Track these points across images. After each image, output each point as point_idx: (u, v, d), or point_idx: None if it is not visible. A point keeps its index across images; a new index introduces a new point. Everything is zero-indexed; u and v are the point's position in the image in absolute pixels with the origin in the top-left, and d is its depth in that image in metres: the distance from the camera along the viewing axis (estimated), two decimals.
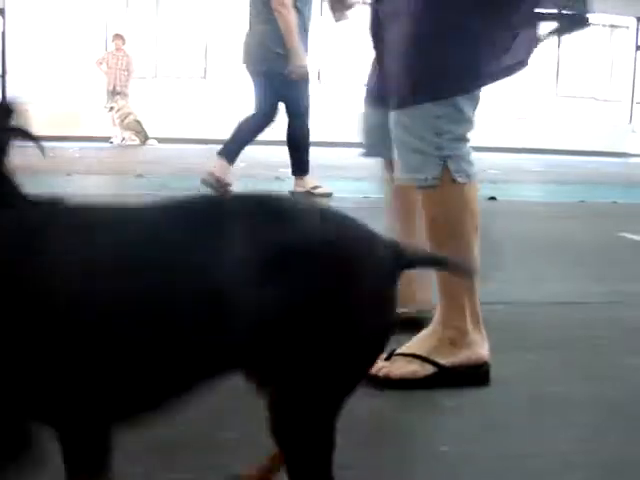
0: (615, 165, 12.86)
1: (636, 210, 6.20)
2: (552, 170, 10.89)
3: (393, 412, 1.78)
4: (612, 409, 1.83)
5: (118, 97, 12.24)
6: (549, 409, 1.83)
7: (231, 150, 5.79)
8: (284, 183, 6.14)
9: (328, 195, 5.96)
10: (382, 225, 3.64)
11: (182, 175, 7.07)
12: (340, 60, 13.29)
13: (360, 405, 1.81)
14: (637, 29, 15.75)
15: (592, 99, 15.48)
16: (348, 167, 7.79)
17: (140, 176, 6.98)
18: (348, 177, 7.42)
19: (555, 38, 2.00)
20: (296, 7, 5.51)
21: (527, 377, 2.04)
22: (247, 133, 5.82)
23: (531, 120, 14.20)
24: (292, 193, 5.85)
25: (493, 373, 1.93)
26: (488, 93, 1.90)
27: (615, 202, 6.49)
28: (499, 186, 6.90)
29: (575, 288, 3.20)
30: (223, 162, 5.74)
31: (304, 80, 5.73)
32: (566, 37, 14.56)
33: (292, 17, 5.42)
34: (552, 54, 14.53)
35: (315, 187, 5.98)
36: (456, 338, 1.86)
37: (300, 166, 5.95)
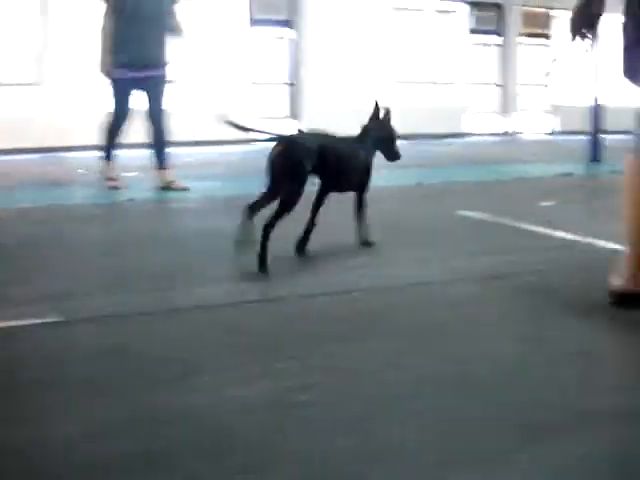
0: (453, 146, 13.37)
1: (473, 188, 6.49)
2: None
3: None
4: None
5: None
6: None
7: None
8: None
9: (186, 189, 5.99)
10: (225, 220, 3.61)
11: (23, 184, 6.75)
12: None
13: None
14: (469, 14, 16.42)
15: (430, 83, 16.04)
16: (190, 166, 7.75)
17: None
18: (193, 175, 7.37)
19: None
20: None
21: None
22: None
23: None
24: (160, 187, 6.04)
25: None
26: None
27: (453, 181, 6.76)
28: None
29: (411, 270, 3.32)
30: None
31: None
32: (395, 22, 15.11)
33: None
34: (386, 41, 14.95)
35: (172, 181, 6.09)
36: None
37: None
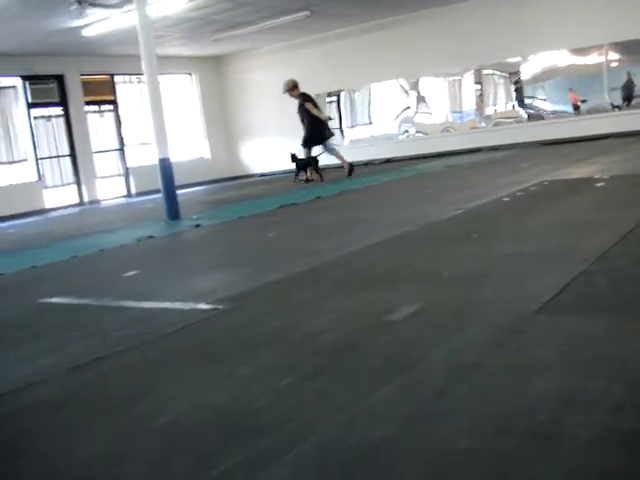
0: (32, 224, 12.85)
1: (56, 270, 6.13)
2: None
3: None
4: None
5: None
6: None
7: None
8: None
9: None
10: None
11: None
12: None
13: None
14: (25, 88, 15.88)
15: None
16: None
17: None
18: None
19: None
20: None
21: None
22: None
23: None
24: None
25: None
26: None
27: (32, 266, 6.32)
28: None
29: None
30: None
31: None
32: None
33: None
34: None
35: None
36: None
37: None
